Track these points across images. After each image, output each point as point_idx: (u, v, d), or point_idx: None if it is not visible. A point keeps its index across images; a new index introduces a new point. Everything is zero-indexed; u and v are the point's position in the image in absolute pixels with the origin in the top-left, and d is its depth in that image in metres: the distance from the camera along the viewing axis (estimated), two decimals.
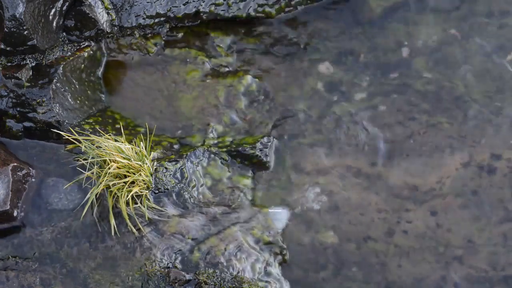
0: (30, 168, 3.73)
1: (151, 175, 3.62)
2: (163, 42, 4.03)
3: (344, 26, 4.00)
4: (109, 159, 3.51)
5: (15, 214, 3.63)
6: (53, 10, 3.83)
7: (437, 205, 3.59)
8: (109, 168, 3.49)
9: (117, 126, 3.79)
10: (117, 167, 3.49)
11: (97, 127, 3.80)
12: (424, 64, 3.87)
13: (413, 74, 3.86)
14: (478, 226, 3.54)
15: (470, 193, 3.60)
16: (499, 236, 3.51)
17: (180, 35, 4.04)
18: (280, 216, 3.63)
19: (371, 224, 3.58)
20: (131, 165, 3.52)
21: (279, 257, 3.54)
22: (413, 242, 3.53)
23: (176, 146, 3.80)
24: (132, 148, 3.57)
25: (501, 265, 3.46)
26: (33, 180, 3.72)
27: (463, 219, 3.55)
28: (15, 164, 3.68)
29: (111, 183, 3.51)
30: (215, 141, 3.80)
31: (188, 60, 4.01)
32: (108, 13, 3.98)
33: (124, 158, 3.51)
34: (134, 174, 3.53)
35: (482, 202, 3.57)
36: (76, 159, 3.70)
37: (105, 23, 3.97)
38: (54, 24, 3.86)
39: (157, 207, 3.59)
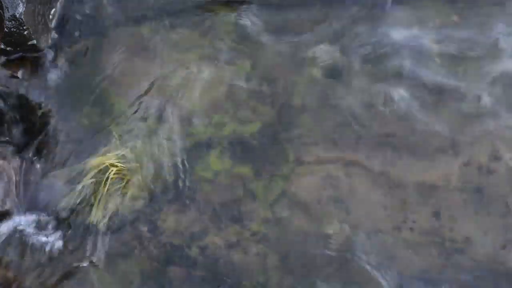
0: (30, 168, 3.75)
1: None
2: (164, 30, 4.01)
3: (350, 9, 3.96)
4: (109, 164, 3.53)
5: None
6: (53, 10, 3.86)
7: (440, 201, 3.54)
8: (109, 174, 3.50)
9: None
10: (117, 171, 3.52)
11: None
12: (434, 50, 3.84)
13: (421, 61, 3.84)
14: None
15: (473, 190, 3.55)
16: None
17: (179, 23, 4.02)
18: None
19: (373, 219, 3.54)
20: (131, 166, 3.53)
21: (280, 250, 3.51)
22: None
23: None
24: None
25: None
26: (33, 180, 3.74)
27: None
28: (15, 164, 3.70)
29: (110, 184, 3.53)
30: (216, 132, 3.77)
31: (190, 47, 3.99)
32: None
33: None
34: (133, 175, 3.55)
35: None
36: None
37: None
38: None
39: (156, 206, 3.59)
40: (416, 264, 3.42)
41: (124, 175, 3.54)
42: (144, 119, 3.76)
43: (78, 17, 4.01)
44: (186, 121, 3.75)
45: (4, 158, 3.71)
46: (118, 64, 3.90)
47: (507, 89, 3.66)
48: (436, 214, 3.50)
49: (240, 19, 3.98)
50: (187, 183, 3.62)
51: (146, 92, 3.83)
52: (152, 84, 3.84)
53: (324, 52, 3.88)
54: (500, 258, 3.37)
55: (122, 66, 3.90)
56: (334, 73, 3.82)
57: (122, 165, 3.51)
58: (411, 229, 3.48)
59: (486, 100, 3.66)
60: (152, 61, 3.91)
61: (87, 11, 4.03)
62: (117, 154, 3.57)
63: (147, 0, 4.04)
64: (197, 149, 3.69)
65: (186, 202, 3.60)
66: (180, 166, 3.65)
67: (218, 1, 4.01)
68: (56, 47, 3.91)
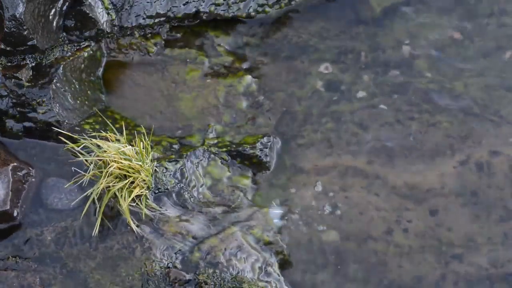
0: (30, 168, 3.73)
1: (151, 175, 3.62)
2: (163, 42, 4.03)
3: (345, 25, 4.00)
4: (110, 160, 3.51)
5: (15, 214, 3.63)
6: (53, 10, 3.83)
7: (437, 204, 3.59)
8: (109, 168, 3.49)
9: (117, 126, 3.79)
10: (118, 167, 3.49)
11: (97, 127, 3.80)
12: (425, 64, 3.88)
13: (414, 73, 3.88)
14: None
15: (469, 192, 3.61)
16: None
17: (179, 35, 4.05)
18: (279, 215, 3.64)
19: (370, 223, 3.57)
20: (131, 165, 3.52)
21: (280, 256, 3.54)
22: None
23: (176, 146, 3.81)
24: (132, 149, 3.57)
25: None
26: (33, 180, 3.72)
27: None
28: (15, 164, 3.68)
29: (111, 183, 3.51)
30: (215, 141, 3.80)
31: (188, 60, 4.01)
32: (108, 13, 3.98)
33: (125, 159, 3.51)
34: (134, 174, 3.53)
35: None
36: (76, 159, 3.69)
37: (105, 23, 3.97)
38: (54, 24, 3.86)
39: (157, 207, 3.59)
40: None
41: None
42: None
43: None
44: None
45: (5, 158, 3.70)
46: None
47: None
48: None
49: None
50: None
51: None
52: None
53: None
54: None
55: None
56: None
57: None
58: None
59: None
60: None
61: None
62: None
63: None
64: None
65: None
66: None
67: None
68: None
